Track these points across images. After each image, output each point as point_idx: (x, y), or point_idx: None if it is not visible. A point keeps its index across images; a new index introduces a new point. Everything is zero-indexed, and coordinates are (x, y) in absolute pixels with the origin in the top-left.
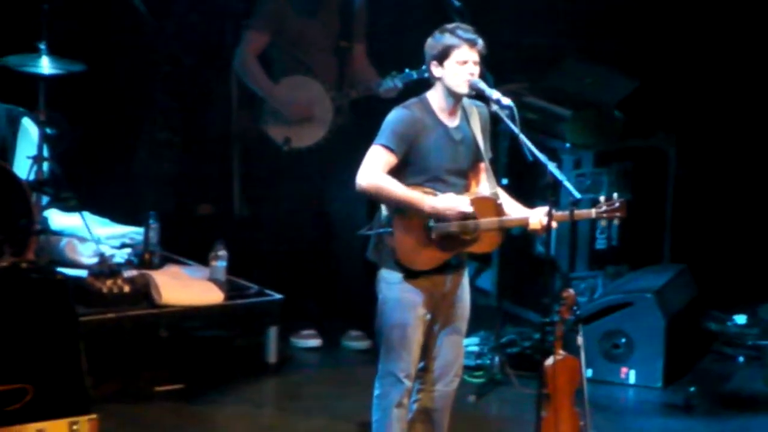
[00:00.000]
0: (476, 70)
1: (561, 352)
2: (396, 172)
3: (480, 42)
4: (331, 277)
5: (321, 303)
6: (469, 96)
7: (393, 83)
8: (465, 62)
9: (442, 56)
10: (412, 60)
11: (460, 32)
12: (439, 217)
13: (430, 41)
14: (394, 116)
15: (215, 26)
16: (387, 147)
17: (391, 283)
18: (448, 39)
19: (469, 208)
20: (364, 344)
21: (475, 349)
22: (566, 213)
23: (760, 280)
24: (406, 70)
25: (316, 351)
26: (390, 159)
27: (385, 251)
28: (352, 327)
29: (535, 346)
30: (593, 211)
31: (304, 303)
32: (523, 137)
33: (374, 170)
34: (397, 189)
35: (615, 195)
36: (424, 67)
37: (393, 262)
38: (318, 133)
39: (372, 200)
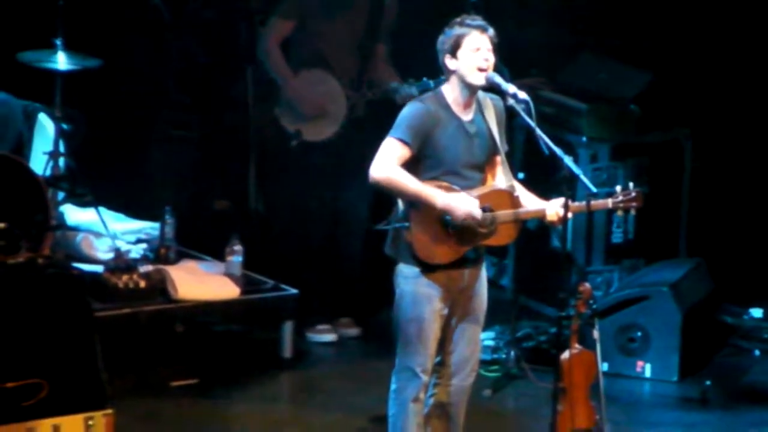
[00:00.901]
0: (491, 57)
1: (577, 346)
2: (412, 166)
3: (490, 29)
4: (342, 272)
5: (333, 297)
6: (484, 89)
7: (409, 91)
8: (478, 49)
9: (454, 47)
10: (427, 59)
11: (468, 21)
12: (451, 214)
13: (440, 38)
14: (409, 110)
15: (230, 22)
16: (401, 140)
17: (408, 278)
18: (457, 30)
19: (479, 213)
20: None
21: (491, 343)
22: (583, 204)
23: None
24: (424, 79)
25: (332, 345)
26: (404, 152)
27: (402, 246)
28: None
29: (551, 340)
30: (609, 201)
31: (315, 298)
32: (539, 131)
33: (388, 163)
34: (410, 183)
35: (631, 185)
36: (442, 77)
37: (410, 256)
38: (330, 129)
39: (383, 193)
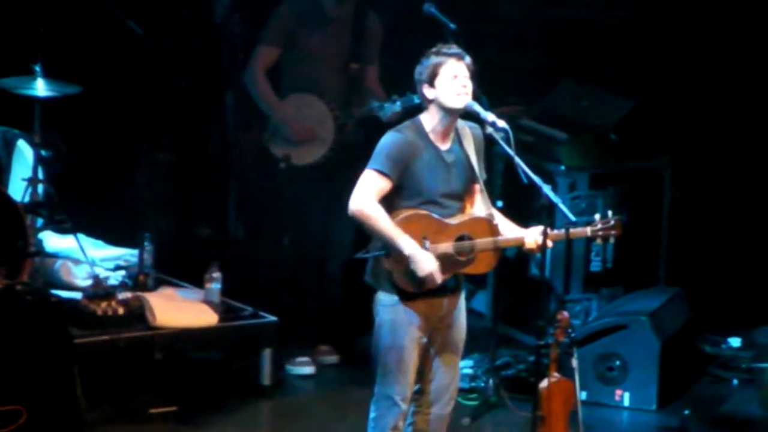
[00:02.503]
0: (468, 83)
1: (555, 374)
2: (391, 196)
3: (467, 57)
4: (323, 299)
5: (313, 324)
6: (463, 116)
7: (394, 108)
8: (455, 76)
9: (432, 76)
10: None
11: (444, 50)
12: (414, 267)
13: (417, 69)
14: (388, 140)
15: (212, 47)
16: (381, 172)
17: (387, 306)
18: (434, 59)
19: (439, 279)
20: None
21: (470, 371)
22: (562, 232)
23: (755, 303)
24: (408, 93)
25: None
26: (384, 184)
27: (382, 274)
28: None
29: (530, 369)
30: (588, 229)
31: (295, 325)
32: (518, 160)
33: (366, 197)
34: (383, 223)
35: (609, 213)
36: None
37: (389, 284)
38: (318, 152)
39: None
